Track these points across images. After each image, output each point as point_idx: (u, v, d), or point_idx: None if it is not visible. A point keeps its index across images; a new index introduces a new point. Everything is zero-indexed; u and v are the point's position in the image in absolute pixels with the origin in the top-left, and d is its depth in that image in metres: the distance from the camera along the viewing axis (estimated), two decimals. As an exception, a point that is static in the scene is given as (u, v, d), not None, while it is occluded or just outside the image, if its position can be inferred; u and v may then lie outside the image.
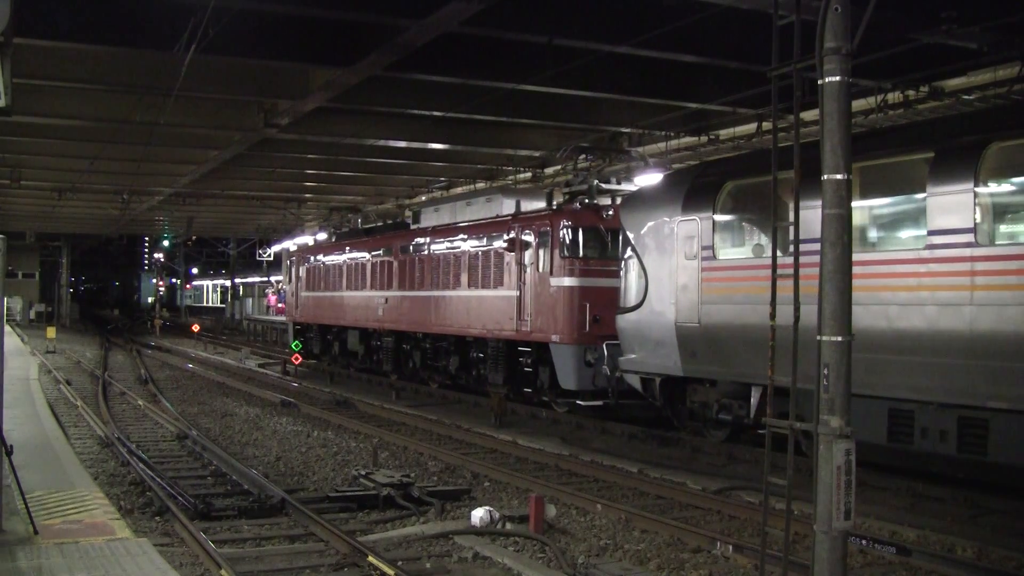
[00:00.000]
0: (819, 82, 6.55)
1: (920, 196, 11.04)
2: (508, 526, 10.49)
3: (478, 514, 10.52)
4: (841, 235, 6.52)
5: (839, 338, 6.47)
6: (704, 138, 22.90)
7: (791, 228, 7.31)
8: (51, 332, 40.86)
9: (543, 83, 17.42)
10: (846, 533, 6.50)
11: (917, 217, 11.24)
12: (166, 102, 19.16)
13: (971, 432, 10.42)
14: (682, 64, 17.10)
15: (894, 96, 17.78)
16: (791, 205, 7.32)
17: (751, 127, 21.58)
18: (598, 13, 14.90)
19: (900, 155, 11.50)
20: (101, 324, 71.06)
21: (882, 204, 12.30)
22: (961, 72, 16.70)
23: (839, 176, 6.54)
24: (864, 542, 9.64)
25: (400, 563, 8.88)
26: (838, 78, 6.50)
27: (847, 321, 6.50)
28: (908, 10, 13.44)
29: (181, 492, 11.53)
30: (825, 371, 6.46)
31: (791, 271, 7.09)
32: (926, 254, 10.82)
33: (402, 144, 25.78)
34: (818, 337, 6.54)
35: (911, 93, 17.56)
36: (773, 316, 7.33)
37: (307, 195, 40.39)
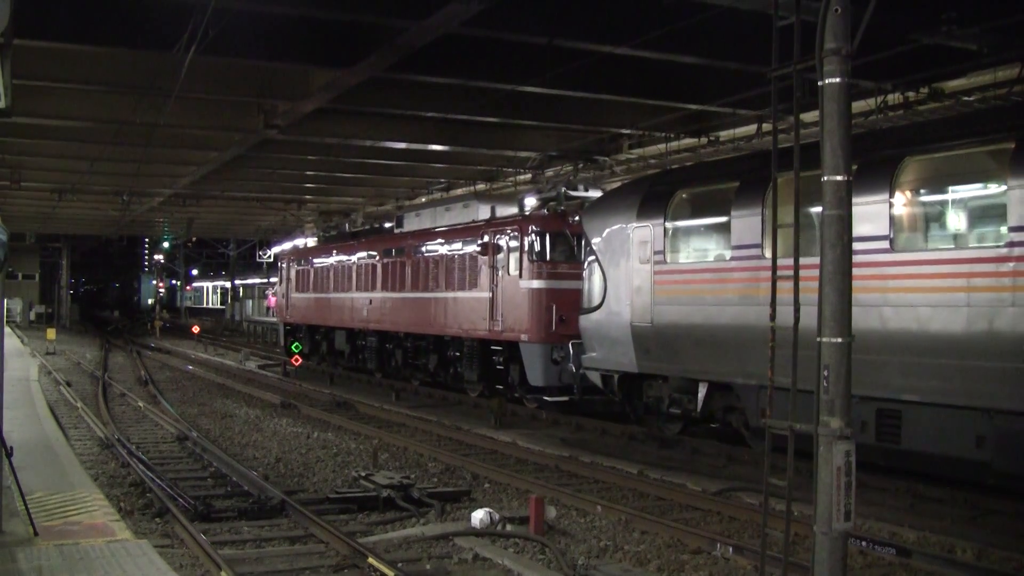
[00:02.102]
0: (819, 83, 6.54)
1: None
2: (508, 527, 10.48)
3: (478, 515, 10.51)
4: (841, 236, 6.51)
5: (839, 339, 6.46)
6: (704, 139, 22.92)
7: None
8: (51, 333, 40.87)
9: (543, 84, 17.43)
10: (846, 534, 6.49)
11: None
12: (166, 103, 19.14)
13: (887, 422, 11.43)
14: (682, 65, 17.09)
15: (894, 97, 17.78)
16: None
17: (751, 128, 21.58)
18: (598, 14, 14.89)
19: None
20: (101, 325, 71.06)
21: (812, 213, 12.60)
22: (961, 73, 16.71)
23: (839, 177, 6.54)
24: (864, 543, 9.64)
25: (400, 564, 8.88)
26: (838, 79, 6.49)
27: (847, 322, 6.48)
28: (908, 11, 13.44)
29: (181, 493, 11.52)
30: (825, 372, 6.44)
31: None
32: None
33: (402, 145, 25.77)
34: (818, 339, 6.53)
35: (911, 94, 17.57)
36: (773, 317, 7.31)
37: (307, 196, 40.37)
